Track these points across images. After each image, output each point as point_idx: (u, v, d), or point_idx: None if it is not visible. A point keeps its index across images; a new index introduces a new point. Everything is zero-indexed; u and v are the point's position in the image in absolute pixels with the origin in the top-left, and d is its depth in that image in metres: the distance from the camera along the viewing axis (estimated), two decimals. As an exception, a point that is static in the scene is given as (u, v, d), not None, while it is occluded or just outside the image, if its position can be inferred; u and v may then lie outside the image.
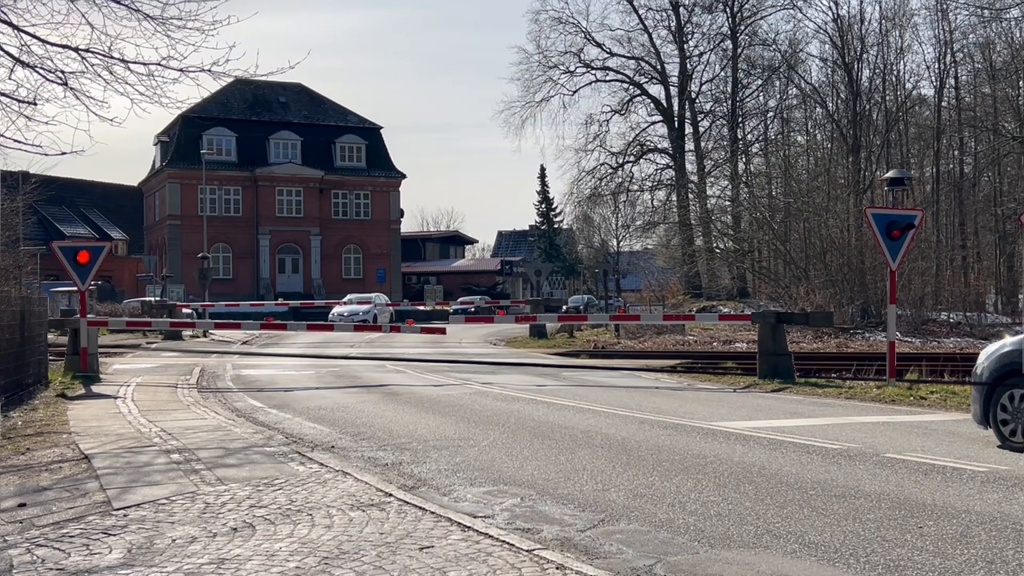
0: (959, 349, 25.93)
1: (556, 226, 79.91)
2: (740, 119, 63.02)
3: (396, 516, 6.91)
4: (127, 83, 11.96)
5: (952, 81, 53.28)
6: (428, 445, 10.31)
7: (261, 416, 13.24)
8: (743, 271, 51.61)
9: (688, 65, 62.92)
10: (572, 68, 63.84)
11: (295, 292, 64.88)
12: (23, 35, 11.71)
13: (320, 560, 5.81)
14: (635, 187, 64.31)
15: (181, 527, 6.71)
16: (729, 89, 63.05)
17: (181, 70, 12.06)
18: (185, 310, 40.08)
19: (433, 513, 6.97)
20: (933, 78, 54.47)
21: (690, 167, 63.28)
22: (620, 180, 63.86)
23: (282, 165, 67.27)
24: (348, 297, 49.51)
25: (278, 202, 67.39)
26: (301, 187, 67.87)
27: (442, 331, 24.43)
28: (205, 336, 37.13)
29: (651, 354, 26.98)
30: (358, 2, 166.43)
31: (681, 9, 62.47)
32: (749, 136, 63.86)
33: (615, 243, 68.74)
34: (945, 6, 50.96)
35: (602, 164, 63.48)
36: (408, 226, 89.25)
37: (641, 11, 62.93)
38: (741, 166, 60.43)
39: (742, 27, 62.24)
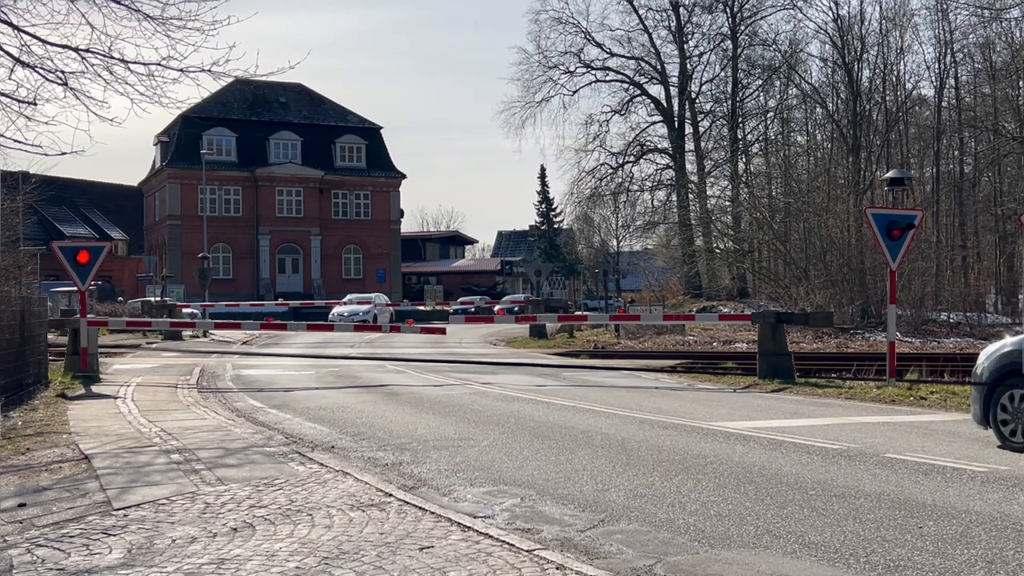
0: (959, 349, 25.92)
1: (556, 226, 79.86)
2: (740, 119, 63.04)
3: (396, 516, 6.91)
4: (127, 83, 11.98)
5: (952, 81, 53.33)
6: (428, 445, 10.31)
7: (261, 416, 13.24)
8: (743, 271, 51.62)
9: (688, 65, 62.97)
10: (572, 68, 63.97)
11: (295, 292, 64.87)
12: (23, 35, 11.72)
13: (320, 560, 5.81)
14: (635, 187, 64.39)
15: (181, 527, 6.71)
16: (729, 89, 63.10)
17: (181, 70, 12.08)
18: (186, 310, 40.08)
19: (433, 513, 6.97)
20: (933, 78, 54.57)
21: (690, 167, 63.35)
22: (620, 180, 63.95)
23: (282, 165, 67.28)
24: (348, 297, 49.49)
25: (278, 202, 67.40)
26: (301, 187, 67.88)
27: (442, 331, 24.43)
28: (205, 336, 37.13)
29: (651, 354, 26.98)
30: (358, 2, 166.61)
31: (681, 9, 62.56)
32: (749, 136, 63.90)
33: (615, 243, 68.79)
34: (945, 6, 51.01)
35: (602, 164, 63.58)
36: (408, 226, 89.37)
37: (641, 11, 63.07)
38: (741, 166, 60.49)
39: (742, 27, 62.27)
